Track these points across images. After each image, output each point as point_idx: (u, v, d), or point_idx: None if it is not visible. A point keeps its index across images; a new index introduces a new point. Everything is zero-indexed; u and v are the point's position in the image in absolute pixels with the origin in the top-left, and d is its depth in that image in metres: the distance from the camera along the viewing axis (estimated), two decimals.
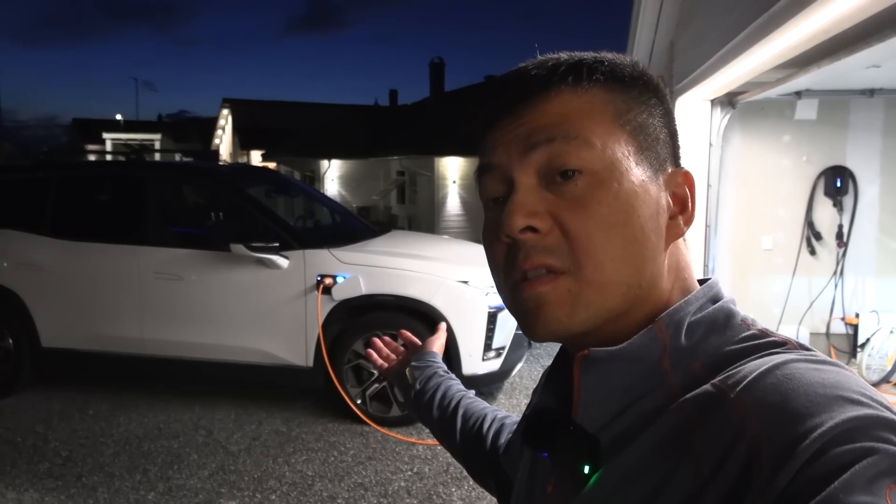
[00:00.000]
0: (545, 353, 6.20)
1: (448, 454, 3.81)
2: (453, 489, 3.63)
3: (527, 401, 4.53)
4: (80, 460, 4.00)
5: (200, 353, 4.68)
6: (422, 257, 4.68)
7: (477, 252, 5.48)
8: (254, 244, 4.41)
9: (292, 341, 4.55)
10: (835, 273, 5.73)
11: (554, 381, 0.69)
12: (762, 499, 0.44)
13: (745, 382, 0.50)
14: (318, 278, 4.44)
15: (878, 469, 0.42)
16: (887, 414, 0.46)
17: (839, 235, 5.70)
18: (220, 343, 4.64)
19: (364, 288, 4.43)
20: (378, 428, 4.40)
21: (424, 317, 4.41)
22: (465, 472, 3.92)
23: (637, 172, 0.58)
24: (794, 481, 0.43)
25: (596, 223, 0.56)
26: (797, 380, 0.48)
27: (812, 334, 5.72)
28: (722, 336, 0.58)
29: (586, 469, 0.56)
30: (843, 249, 5.70)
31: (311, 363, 4.53)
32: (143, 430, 4.46)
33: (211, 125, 48.52)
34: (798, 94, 5.55)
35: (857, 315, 5.62)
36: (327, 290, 4.44)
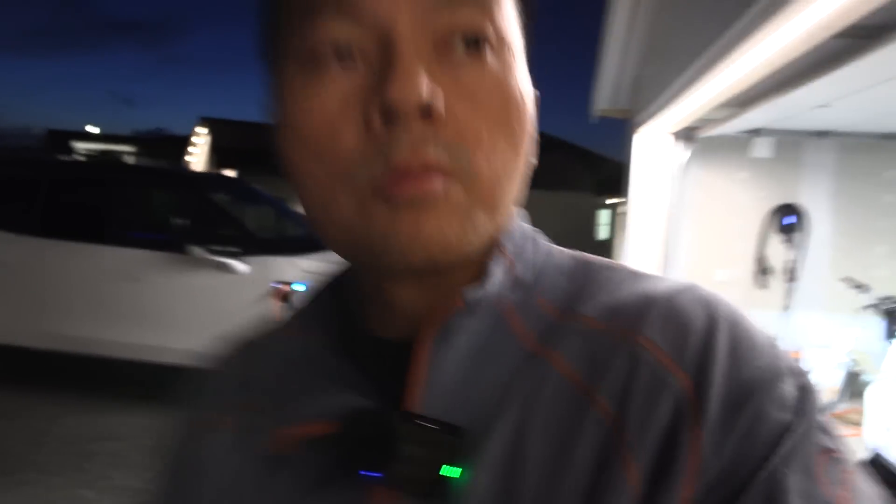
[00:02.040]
0: None
1: None
2: None
3: None
4: (19, 458, 3.91)
5: (155, 356, 4.64)
6: None
7: None
8: (213, 247, 4.42)
9: None
10: (784, 307, 5.89)
11: (335, 365, 0.46)
12: (699, 462, 0.37)
13: (646, 321, 0.42)
14: (276, 284, 4.45)
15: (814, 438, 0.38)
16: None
17: (789, 271, 5.87)
18: (174, 346, 4.60)
19: None
20: None
21: None
22: None
23: (526, 74, 0.44)
24: (736, 446, 0.38)
25: (500, 120, 0.41)
26: (722, 316, 0.42)
27: None
28: (545, 259, 0.49)
29: (450, 472, 0.39)
30: (792, 284, 5.87)
31: None
32: (91, 431, 4.37)
33: (186, 142, 48.26)
34: (756, 132, 5.77)
35: (800, 350, 5.78)
36: (286, 299, 4.45)
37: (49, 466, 3.81)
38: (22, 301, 4.76)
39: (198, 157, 46.60)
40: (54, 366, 4.90)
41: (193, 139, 47.82)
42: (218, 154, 36.05)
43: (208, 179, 5.41)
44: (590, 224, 22.13)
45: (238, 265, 4.49)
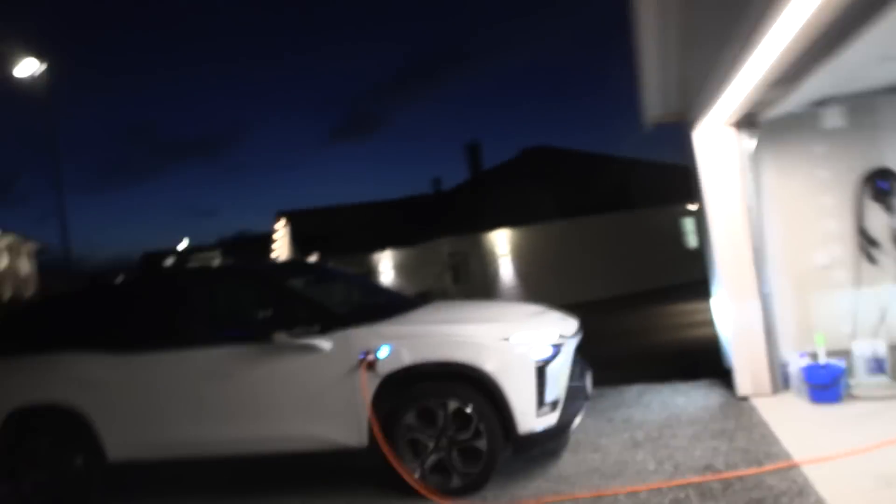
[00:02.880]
0: (609, 406, 5.97)
1: None
2: None
3: (594, 455, 4.33)
4: None
5: (257, 447, 4.70)
6: (460, 321, 4.67)
7: (517, 310, 5.42)
8: (294, 330, 4.49)
9: (345, 422, 4.53)
10: None
11: None
12: None
13: None
14: (362, 355, 4.45)
15: None
16: None
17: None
18: (274, 434, 4.66)
19: (407, 359, 4.41)
20: (441, 501, 4.27)
21: (472, 380, 4.35)
22: None
23: None
24: None
25: None
26: None
27: (891, 347, 5.36)
28: None
29: None
30: None
31: (365, 442, 4.48)
32: None
33: (268, 239, 50.51)
34: (821, 103, 5.44)
35: None
36: (372, 367, 4.44)
37: None
38: (130, 416, 4.94)
39: (280, 248, 48.45)
40: (172, 472, 5.03)
41: (274, 235, 49.82)
42: (298, 243, 37.43)
43: (279, 268, 5.56)
44: (677, 234, 21.38)
45: (321, 343, 4.53)
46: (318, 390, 4.59)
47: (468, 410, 4.33)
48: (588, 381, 5.12)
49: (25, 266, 40.89)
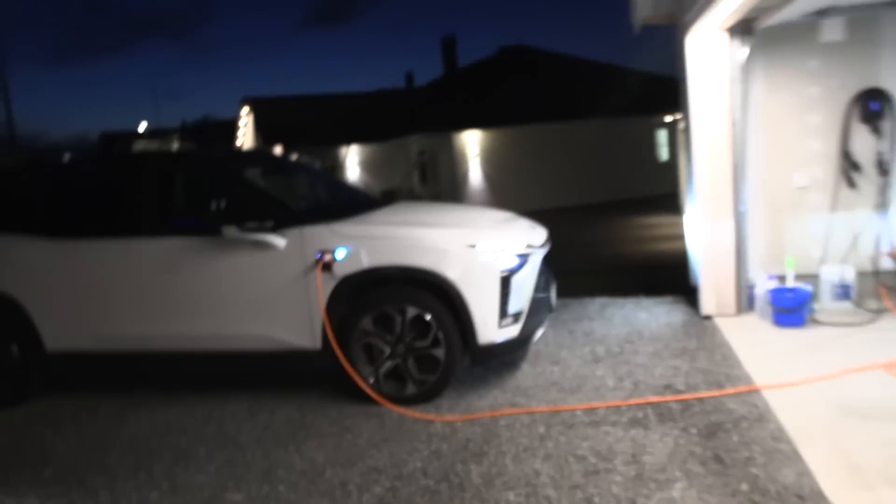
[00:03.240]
0: (570, 318, 5.88)
1: (470, 430, 3.53)
2: (472, 466, 3.36)
3: (553, 368, 4.22)
4: (84, 464, 3.83)
5: (205, 345, 4.49)
6: (425, 224, 4.40)
7: (485, 216, 5.18)
8: (246, 225, 4.18)
9: (298, 324, 4.32)
10: (879, 206, 5.28)
11: None
12: None
13: None
14: (318, 255, 4.19)
15: None
16: None
17: (880, 164, 5.24)
18: (224, 333, 4.44)
19: (365, 261, 4.16)
20: (393, 407, 4.15)
21: (433, 287, 4.14)
22: (484, 447, 3.68)
23: None
24: None
25: None
26: None
27: (859, 273, 5.30)
28: None
29: None
30: (885, 179, 5.25)
31: (318, 345, 4.30)
32: (152, 427, 4.29)
33: (232, 127, 48.90)
34: (822, 13, 5.09)
35: None
36: (328, 268, 4.19)
37: (116, 470, 3.71)
38: (72, 306, 4.66)
39: (244, 137, 47.15)
40: (111, 367, 4.82)
41: (238, 122, 48.32)
42: (263, 132, 36.36)
43: (235, 157, 5.16)
44: (651, 146, 21.14)
45: (274, 240, 4.24)
46: (270, 289, 4.34)
47: (427, 318, 4.14)
48: (552, 292, 4.97)
49: None
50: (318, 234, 4.26)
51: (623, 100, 19.10)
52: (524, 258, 4.32)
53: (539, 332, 4.57)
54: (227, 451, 3.83)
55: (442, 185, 19.46)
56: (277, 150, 30.09)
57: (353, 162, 21.98)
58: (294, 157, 27.79)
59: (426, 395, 4.24)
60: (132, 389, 4.96)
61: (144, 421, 4.39)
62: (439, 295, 4.14)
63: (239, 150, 5.72)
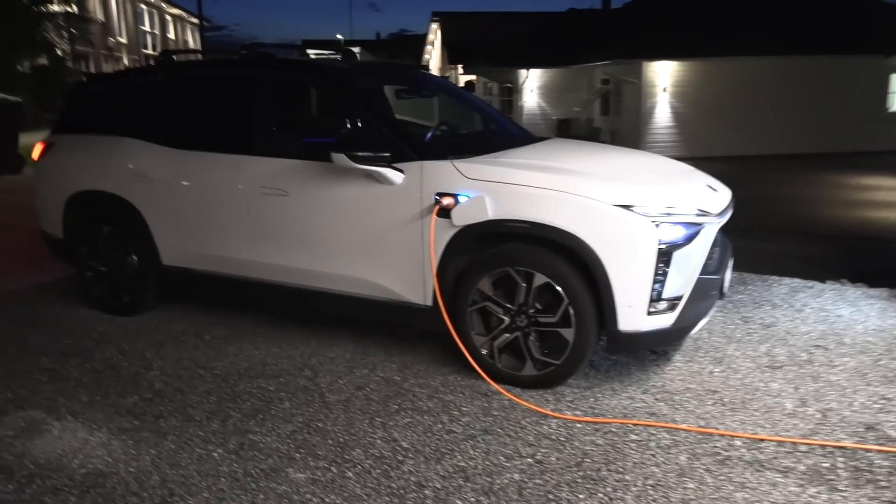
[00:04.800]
0: (748, 301, 4.78)
1: (590, 440, 2.74)
2: (581, 496, 2.61)
3: (714, 369, 3.25)
4: (168, 397, 3.56)
5: (307, 281, 4.03)
6: (572, 172, 3.52)
7: (656, 167, 4.18)
8: (359, 153, 3.55)
9: (408, 275, 3.71)
10: None
11: None
12: None
13: None
14: (436, 197, 3.51)
15: None
16: None
17: None
18: (329, 271, 3.95)
19: (491, 212, 3.41)
20: (504, 392, 3.46)
21: (570, 253, 3.31)
22: (602, 471, 2.92)
23: None
24: None
25: None
26: None
27: None
28: None
29: None
30: None
31: (430, 302, 3.67)
32: (248, 364, 3.95)
33: (422, 41, 49.08)
34: None
35: None
36: (446, 214, 3.50)
37: (194, 412, 3.40)
38: (185, 221, 4.40)
39: (431, 53, 47.21)
40: (219, 290, 4.55)
41: (429, 36, 48.50)
42: (449, 48, 35.97)
43: (363, 70, 4.51)
44: (880, 93, 17.91)
45: (391, 174, 3.60)
46: (380, 230, 3.74)
47: (558, 289, 3.34)
48: (727, 272, 3.92)
49: (191, 39, 42.44)
50: (441, 172, 3.56)
51: (850, 34, 16.14)
52: (694, 229, 3.34)
53: (702, 323, 3.60)
54: (311, 410, 3.37)
55: (624, 119, 17.88)
56: (459, 68, 29.61)
57: (531, 85, 20.82)
58: (472, 79, 27.09)
59: (547, 381, 3.50)
60: (247, 315, 4.69)
61: (243, 355, 4.08)
62: (576, 263, 3.32)
63: (370, 63, 5.08)
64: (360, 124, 4.14)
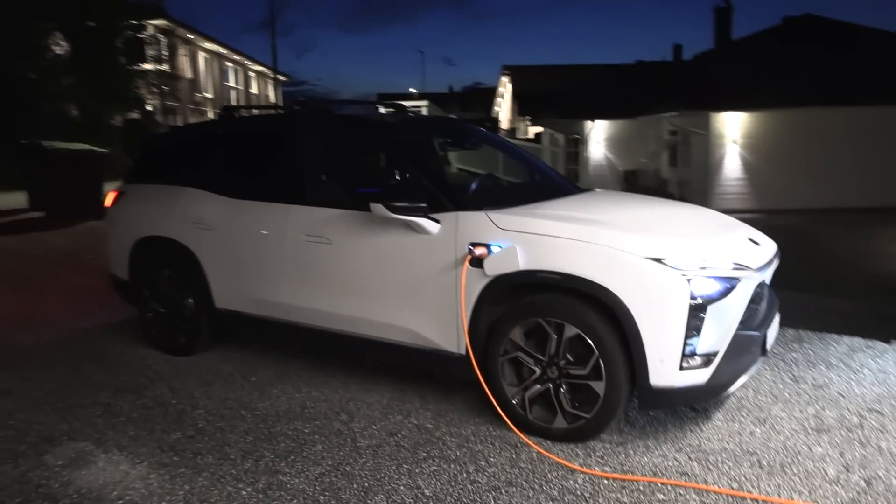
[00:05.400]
0: (801, 360, 4.58)
1: (615, 497, 2.69)
2: None
3: (755, 429, 3.13)
4: (209, 435, 3.69)
5: (348, 327, 4.14)
6: (604, 223, 3.53)
7: (696, 219, 4.14)
8: (396, 204, 3.67)
9: (443, 322, 3.76)
10: None
11: None
12: None
13: None
14: (470, 247, 3.58)
15: None
16: None
17: None
18: (368, 317, 4.04)
19: (522, 262, 3.44)
20: (531, 444, 3.43)
21: (601, 305, 3.30)
22: None
23: None
24: None
25: None
26: None
27: None
28: None
29: None
30: None
31: (463, 350, 3.71)
32: (288, 406, 4.06)
33: (493, 93, 50.01)
34: None
35: None
36: (478, 264, 3.55)
37: (231, 451, 3.51)
38: (236, 266, 4.60)
39: (502, 105, 47.97)
40: (267, 333, 4.71)
41: (499, 88, 49.33)
42: (519, 100, 36.39)
43: (410, 124, 4.68)
44: None
45: (427, 224, 3.70)
46: (416, 278, 3.83)
47: (589, 341, 3.33)
48: (772, 328, 3.79)
49: (272, 93, 44.49)
50: (476, 223, 3.63)
51: None
52: (729, 283, 3.27)
53: (741, 381, 3.48)
54: (341, 454, 3.43)
55: (692, 171, 17.59)
56: (527, 120, 29.90)
57: (598, 137, 20.82)
58: (539, 130, 27.32)
59: (578, 434, 3.45)
60: (293, 358, 4.83)
61: (285, 397, 4.19)
62: (607, 315, 3.30)
63: (417, 117, 5.26)
64: (402, 176, 4.27)
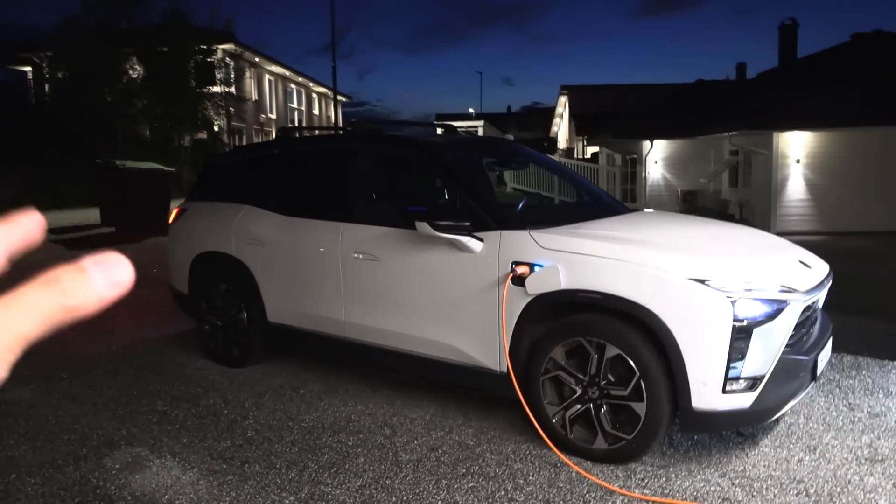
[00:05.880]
0: (858, 387, 4.43)
1: None
2: None
3: (805, 457, 3.08)
4: (257, 445, 3.82)
5: (393, 342, 4.22)
6: (647, 244, 3.52)
7: (744, 240, 4.07)
8: (440, 222, 3.75)
9: (485, 340, 3.80)
10: None
11: None
12: None
13: None
14: (512, 266, 3.62)
15: None
16: None
17: None
18: (411, 333, 4.12)
19: (564, 281, 3.46)
20: (571, 464, 3.42)
21: (643, 326, 3.29)
22: None
23: None
24: None
25: None
26: None
27: None
28: None
29: None
30: None
31: (504, 368, 3.74)
32: (333, 419, 4.16)
33: (551, 113, 49.92)
34: None
35: None
36: (520, 282, 3.59)
37: (277, 460, 3.62)
38: (287, 282, 4.76)
39: (560, 125, 47.77)
40: (317, 347, 4.83)
41: (557, 108, 49.17)
42: (577, 120, 36.26)
43: (458, 144, 4.77)
44: None
45: (471, 242, 3.76)
46: (461, 295, 3.89)
47: (630, 362, 3.31)
48: (825, 352, 3.69)
49: (334, 113, 45.57)
50: (519, 242, 3.68)
51: None
52: (776, 306, 3.22)
53: (788, 406, 3.40)
54: (382, 468, 3.50)
55: (753, 191, 17.13)
56: (584, 139, 29.72)
57: (656, 157, 20.53)
58: (594, 149, 27.10)
59: (618, 456, 3.43)
60: (342, 372, 4.94)
61: (331, 411, 4.29)
62: (649, 336, 3.28)
63: (465, 138, 5.32)
64: (448, 195, 4.36)
